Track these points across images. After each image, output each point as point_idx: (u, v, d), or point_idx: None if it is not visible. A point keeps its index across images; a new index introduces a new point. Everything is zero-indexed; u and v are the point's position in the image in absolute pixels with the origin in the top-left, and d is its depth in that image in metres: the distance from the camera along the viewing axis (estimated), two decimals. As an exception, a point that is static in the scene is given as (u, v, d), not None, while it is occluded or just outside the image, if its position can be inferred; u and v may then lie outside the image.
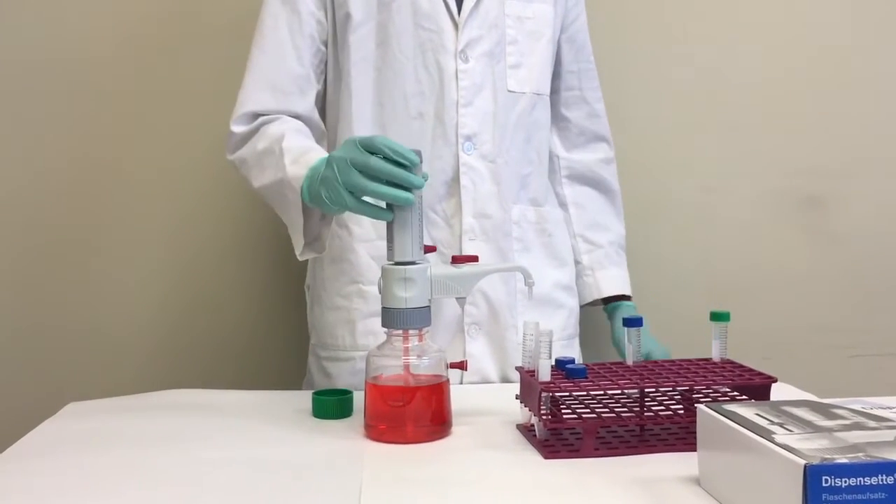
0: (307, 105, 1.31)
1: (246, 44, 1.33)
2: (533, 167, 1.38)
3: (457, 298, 1.06)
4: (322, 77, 1.34)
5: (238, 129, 1.28)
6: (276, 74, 1.29)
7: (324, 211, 1.14)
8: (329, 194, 1.07)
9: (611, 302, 1.47)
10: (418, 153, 1.03)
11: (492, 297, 1.31)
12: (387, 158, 1.02)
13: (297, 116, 1.29)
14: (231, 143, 1.29)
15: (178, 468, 0.92)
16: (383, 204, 1.04)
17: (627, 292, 1.47)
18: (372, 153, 1.03)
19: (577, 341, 1.44)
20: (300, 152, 1.18)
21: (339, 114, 1.32)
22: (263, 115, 1.27)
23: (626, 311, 1.44)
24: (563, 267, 1.42)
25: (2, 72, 1.65)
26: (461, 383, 1.28)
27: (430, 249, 1.06)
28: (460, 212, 1.30)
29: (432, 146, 1.29)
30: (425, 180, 1.03)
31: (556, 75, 1.45)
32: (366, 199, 1.05)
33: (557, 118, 1.47)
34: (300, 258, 1.21)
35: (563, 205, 1.47)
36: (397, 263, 1.03)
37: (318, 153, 1.16)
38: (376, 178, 1.02)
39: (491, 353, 1.32)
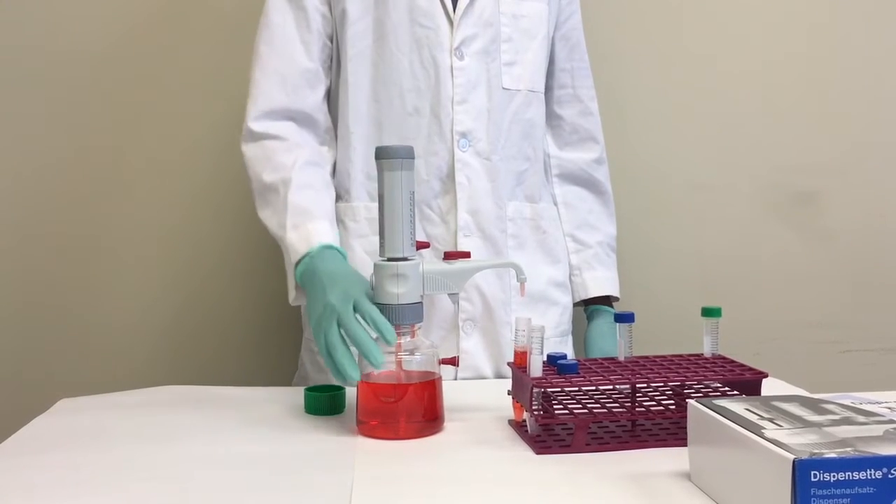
0: (316, 100, 1.32)
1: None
2: (529, 164, 1.38)
3: (449, 294, 1.06)
4: (330, 72, 1.35)
5: (255, 126, 1.28)
6: (286, 69, 1.29)
7: None
8: (314, 328, 1.06)
9: (592, 304, 1.48)
10: (394, 331, 1.00)
11: (487, 294, 1.31)
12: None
13: (307, 113, 1.30)
14: (246, 136, 1.29)
15: (169, 464, 0.92)
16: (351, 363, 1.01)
17: (614, 293, 1.47)
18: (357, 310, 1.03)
19: (570, 338, 1.44)
20: (302, 217, 1.20)
21: (337, 108, 1.33)
22: (276, 111, 1.28)
23: (605, 317, 1.45)
24: (556, 264, 1.42)
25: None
26: (455, 379, 1.28)
27: (422, 245, 1.06)
28: (455, 208, 1.30)
29: (428, 142, 1.29)
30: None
31: (550, 73, 1.45)
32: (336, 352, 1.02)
33: (550, 116, 1.47)
34: (292, 303, 1.22)
35: (554, 203, 1.47)
36: (389, 259, 1.03)
37: (319, 229, 1.18)
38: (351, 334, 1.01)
39: (485, 350, 1.32)
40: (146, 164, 1.67)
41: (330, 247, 1.17)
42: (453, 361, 1.06)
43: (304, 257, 1.16)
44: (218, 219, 1.69)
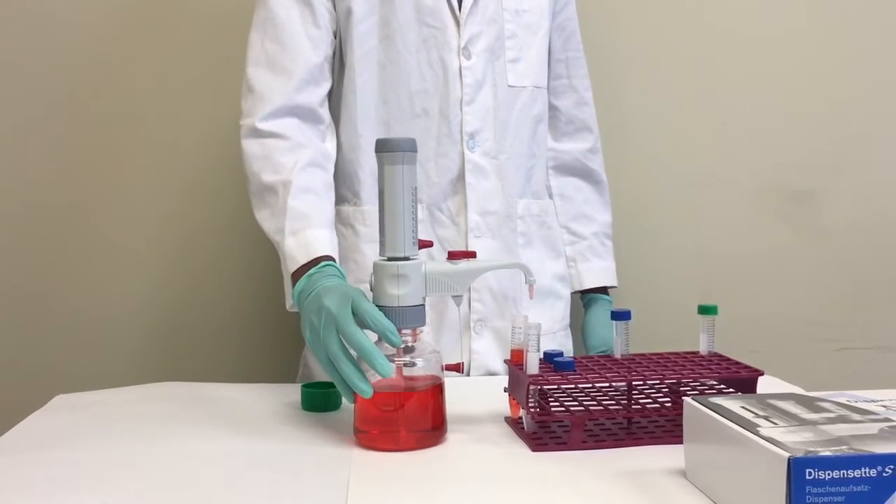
0: (320, 95, 1.28)
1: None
2: (535, 160, 1.38)
3: (453, 297, 0.99)
4: (333, 69, 1.31)
5: (260, 125, 1.23)
6: (293, 66, 1.25)
7: None
8: (311, 340, 1.01)
9: (589, 293, 1.49)
10: (397, 332, 0.95)
11: (497, 292, 1.31)
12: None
13: (311, 108, 1.26)
14: (248, 133, 1.24)
15: (166, 461, 0.92)
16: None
17: (609, 283, 1.49)
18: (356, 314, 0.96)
19: (570, 330, 1.45)
20: (301, 223, 1.15)
21: (342, 109, 1.30)
22: (281, 109, 1.23)
23: (602, 305, 1.46)
24: (559, 258, 1.43)
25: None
26: (468, 375, 1.29)
27: (425, 244, 1.01)
28: (465, 209, 1.30)
29: (437, 144, 1.29)
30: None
31: None
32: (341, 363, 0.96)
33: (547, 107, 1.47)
34: (290, 309, 1.18)
35: (550, 196, 1.47)
36: (389, 259, 0.97)
37: (318, 237, 1.14)
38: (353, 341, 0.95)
39: (497, 349, 1.32)
40: (142, 157, 1.67)
41: (329, 264, 1.12)
42: (458, 368, 1.01)
43: (302, 275, 1.11)
44: (215, 214, 1.69)
